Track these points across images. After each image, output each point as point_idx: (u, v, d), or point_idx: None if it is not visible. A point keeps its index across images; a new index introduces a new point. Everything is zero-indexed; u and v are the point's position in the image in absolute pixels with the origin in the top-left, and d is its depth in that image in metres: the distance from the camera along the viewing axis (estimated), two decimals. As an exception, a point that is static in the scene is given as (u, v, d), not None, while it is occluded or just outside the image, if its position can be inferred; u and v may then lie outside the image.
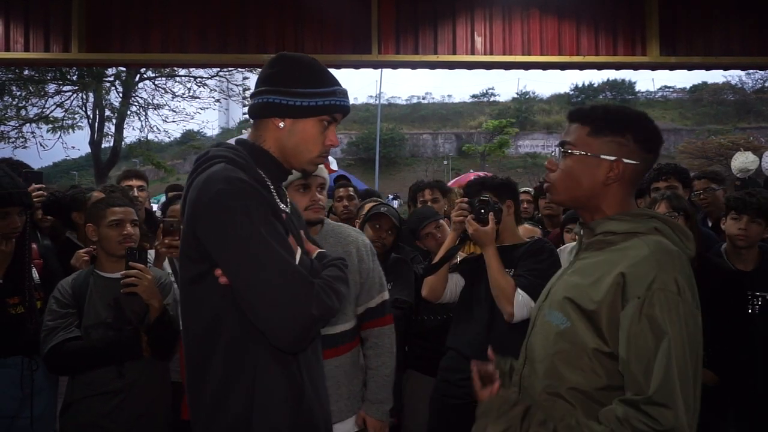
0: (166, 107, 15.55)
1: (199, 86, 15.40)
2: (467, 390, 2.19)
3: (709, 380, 2.37)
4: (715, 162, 23.82)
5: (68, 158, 27.99)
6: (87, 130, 15.21)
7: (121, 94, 15.14)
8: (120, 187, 3.23)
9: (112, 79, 14.62)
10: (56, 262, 2.56)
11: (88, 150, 16.32)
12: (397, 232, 2.86)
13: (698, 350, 1.15)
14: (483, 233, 2.13)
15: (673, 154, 28.28)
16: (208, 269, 1.22)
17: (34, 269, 2.35)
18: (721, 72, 43.78)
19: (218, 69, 14.04)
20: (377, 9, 5.07)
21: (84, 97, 14.72)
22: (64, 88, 14.14)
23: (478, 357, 1.43)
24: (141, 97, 15.59)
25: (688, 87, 40.17)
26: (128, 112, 15.38)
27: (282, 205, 1.35)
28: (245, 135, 1.46)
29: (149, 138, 16.18)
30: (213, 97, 16.12)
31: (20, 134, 14.26)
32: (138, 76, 14.89)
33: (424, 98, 43.82)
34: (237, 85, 16.22)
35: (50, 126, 14.12)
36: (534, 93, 41.87)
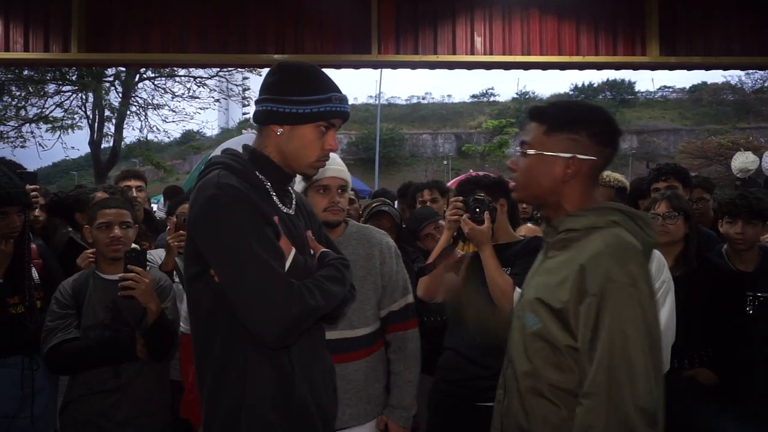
0: (166, 107, 15.57)
1: (199, 86, 15.41)
2: (466, 389, 2.20)
3: (709, 380, 2.38)
4: (714, 162, 23.83)
5: (68, 158, 28.04)
6: (86, 130, 15.21)
7: (120, 94, 15.13)
8: (120, 188, 3.23)
9: (111, 79, 14.61)
10: (55, 262, 2.56)
11: (88, 150, 16.32)
12: (399, 231, 2.86)
13: (655, 338, 1.17)
14: (479, 232, 2.13)
15: (673, 154, 28.31)
16: (205, 268, 1.30)
17: (33, 269, 2.35)
18: (720, 72, 43.81)
19: (218, 69, 14.03)
20: (377, 9, 5.07)
21: (83, 97, 14.71)
22: (64, 88, 14.14)
23: (477, 356, 1.44)
24: (141, 97, 15.60)
25: (687, 87, 40.23)
26: (128, 112, 15.37)
27: (283, 207, 1.42)
28: (245, 135, 1.48)
29: (149, 138, 16.20)
30: (213, 97, 16.12)
31: (20, 134, 14.26)
32: (138, 76, 14.87)
33: (423, 98, 43.86)
34: (237, 85, 16.23)
35: (50, 126, 14.12)
36: (534, 93, 41.90)
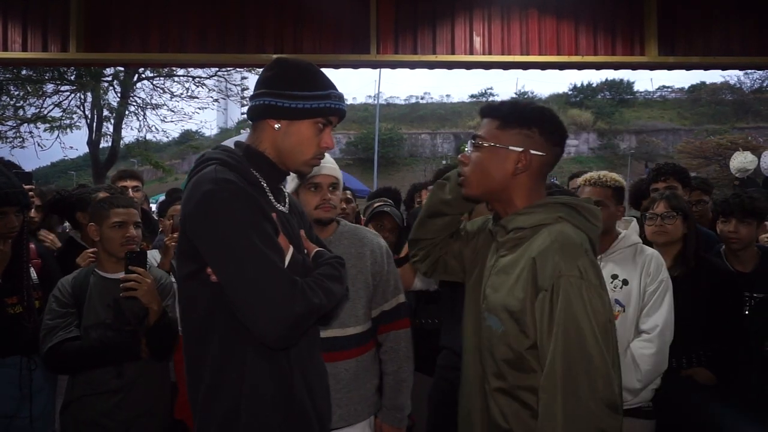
0: (165, 107, 15.53)
1: (198, 86, 15.38)
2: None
3: (707, 379, 2.38)
4: (713, 162, 23.86)
5: (66, 158, 27.96)
6: (85, 130, 15.16)
7: (119, 94, 15.09)
8: (121, 189, 3.23)
9: (110, 78, 14.58)
10: (54, 262, 2.56)
11: (86, 150, 16.26)
12: (400, 232, 2.85)
13: (608, 327, 1.20)
14: None
15: (672, 153, 28.33)
16: (200, 267, 1.26)
17: (32, 269, 2.34)
18: (719, 72, 43.86)
19: (217, 69, 14.02)
20: (376, 9, 5.06)
21: (82, 96, 14.67)
22: (62, 88, 14.09)
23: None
24: (139, 97, 15.55)
25: (686, 87, 40.27)
26: (126, 112, 15.34)
27: (278, 205, 1.39)
28: (244, 135, 1.47)
29: (147, 138, 16.15)
30: (211, 97, 16.08)
31: (18, 134, 14.22)
32: (136, 75, 14.85)
33: (422, 98, 43.82)
34: (235, 85, 16.19)
35: (48, 126, 14.08)
36: (533, 93, 41.87)
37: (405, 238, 2.96)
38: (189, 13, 5.07)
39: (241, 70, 14.69)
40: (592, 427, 1.13)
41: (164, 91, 15.26)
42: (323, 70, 1.42)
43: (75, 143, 15.15)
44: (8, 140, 14.15)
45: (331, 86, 1.37)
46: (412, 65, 5.42)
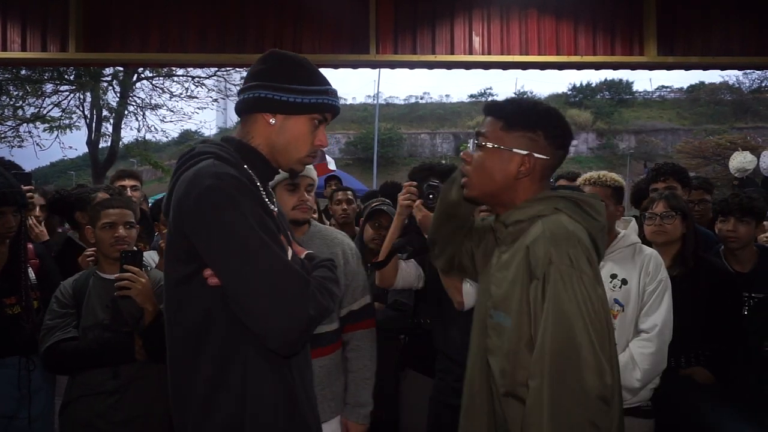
0: (164, 107, 15.54)
1: (197, 86, 15.39)
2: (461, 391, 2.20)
3: (705, 379, 2.38)
4: (712, 162, 23.85)
5: (65, 158, 27.90)
6: (84, 130, 15.17)
7: (118, 94, 15.10)
8: (120, 189, 3.23)
9: (109, 78, 14.58)
10: (52, 262, 2.56)
11: (86, 150, 16.27)
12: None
13: (600, 317, 1.17)
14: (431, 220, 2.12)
15: (671, 153, 28.32)
16: (196, 269, 1.17)
17: (30, 269, 2.34)
18: (718, 72, 43.88)
19: (216, 69, 14.02)
20: (375, 9, 5.06)
21: (81, 96, 14.67)
22: (62, 88, 14.09)
23: (463, 359, 1.44)
24: (138, 97, 15.57)
25: (685, 87, 40.23)
26: (126, 112, 15.34)
27: (271, 205, 1.31)
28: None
29: (147, 138, 16.15)
30: (211, 97, 16.11)
31: (17, 134, 14.21)
32: (135, 75, 14.85)
33: (422, 98, 43.78)
34: (235, 85, 16.16)
35: (47, 126, 14.08)
36: (532, 93, 41.84)
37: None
38: (188, 13, 5.06)
39: (241, 70, 14.64)
40: (580, 417, 1.10)
41: (163, 91, 15.28)
42: (323, 70, 1.40)
43: (74, 143, 15.17)
44: (7, 140, 14.14)
45: (328, 82, 1.32)
46: (412, 65, 5.42)
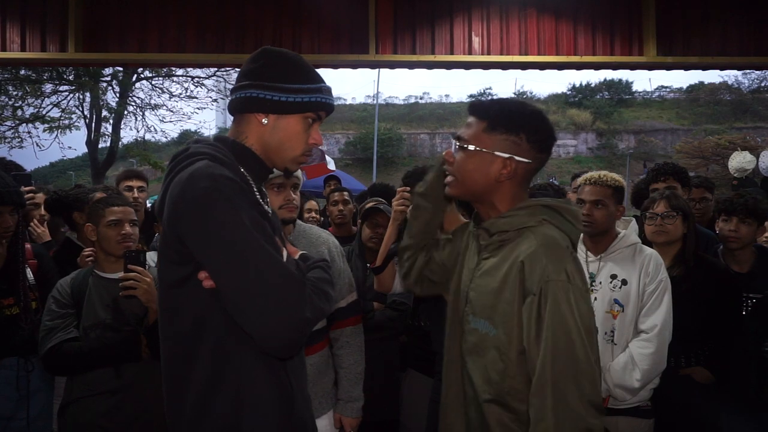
0: (164, 107, 15.53)
1: (197, 86, 15.37)
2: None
3: (705, 378, 2.38)
4: (711, 162, 23.85)
5: (65, 158, 27.89)
6: (84, 130, 15.17)
7: (118, 94, 15.10)
8: (118, 189, 3.22)
9: (108, 78, 14.58)
10: (51, 262, 2.55)
11: (85, 150, 16.28)
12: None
13: (591, 330, 1.22)
14: None
15: (670, 153, 28.32)
16: (190, 272, 1.15)
17: (28, 269, 2.33)
18: (717, 72, 43.88)
19: (215, 69, 14.01)
20: (375, 9, 5.06)
21: (80, 97, 14.67)
22: (61, 88, 14.09)
23: None
24: (138, 97, 15.56)
25: (684, 87, 40.23)
26: (125, 112, 15.34)
27: (265, 206, 1.29)
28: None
29: (146, 138, 16.15)
30: (210, 97, 16.08)
31: (16, 134, 14.20)
32: (135, 76, 14.85)
33: (421, 98, 43.76)
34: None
35: (47, 126, 14.07)
36: (531, 93, 41.86)
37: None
38: (187, 13, 5.06)
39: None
40: (579, 428, 1.15)
41: (163, 91, 15.28)
42: (322, 70, 1.40)
43: (74, 143, 15.18)
44: (7, 140, 14.12)
45: (321, 79, 1.30)
46: (411, 65, 5.42)
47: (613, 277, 2.23)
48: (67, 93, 14.26)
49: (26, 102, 13.86)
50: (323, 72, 1.37)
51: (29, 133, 14.25)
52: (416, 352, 2.81)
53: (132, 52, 5.08)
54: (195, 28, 5.06)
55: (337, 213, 3.77)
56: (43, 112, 14.10)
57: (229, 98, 1.32)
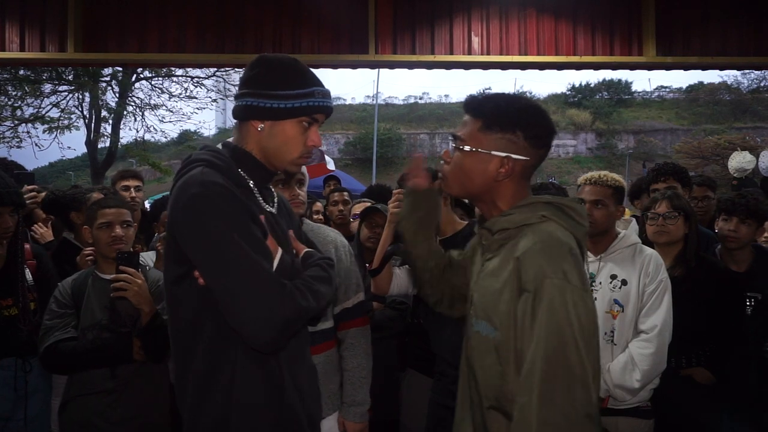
0: (163, 107, 15.53)
1: (196, 86, 15.38)
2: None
3: (705, 379, 2.38)
4: (711, 162, 23.87)
5: (64, 158, 27.93)
6: (83, 131, 15.17)
7: (117, 94, 15.09)
8: (115, 189, 3.22)
9: (108, 79, 14.57)
10: (50, 263, 2.55)
11: (85, 150, 16.27)
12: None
13: (590, 332, 1.15)
14: None
15: (670, 153, 28.33)
16: (187, 271, 1.25)
17: (27, 270, 2.33)
18: (717, 72, 43.90)
19: (215, 69, 14.01)
20: (374, 9, 5.06)
21: (80, 97, 14.67)
22: (60, 88, 14.08)
23: (457, 360, 1.43)
24: (138, 97, 15.56)
25: (684, 87, 40.23)
26: (125, 112, 15.34)
27: (267, 206, 1.37)
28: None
29: (146, 138, 16.15)
30: (210, 97, 16.09)
31: (16, 134, 14.20)
32: (134, 76, 14.84)
33: (421, 98, 43.76)
34: (234, 85, 16.15)
35: (46, 126, 14.07)
36: (531, 93, 41.91)
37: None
38: (187, 13, 5.06)
39: (240, 70, 14.68)
40: None
41: (162, 92, 15.29)
42: (322, 70, 1.40)
43: (73, 143, 15.18)
44: (6, 141, 14.13)
45: (315, 83, 1.34)
46: (411, 65, 5.42)
47: (613, 277, 2.23)
48: (66, 93, 14.27)
49: (25, 102, 13.86)
50: (323, 72, 1.38)
51: (28, 133, 14.27)
52: (416, 352, 2.80)
53: (131, 52, 5.08)
54: (195, 28, 5.06)
55: (337, 213, 3.77)
56: (43, 113, 14.10)
57: (233, 106, 1.40)
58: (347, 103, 40.44)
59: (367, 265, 2.54)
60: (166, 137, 17.12)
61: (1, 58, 5.08)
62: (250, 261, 1.18)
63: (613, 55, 5.19)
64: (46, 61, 5.56)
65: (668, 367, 2.19)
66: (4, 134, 14.11)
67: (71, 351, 2.03)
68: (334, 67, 5.42)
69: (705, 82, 37.51)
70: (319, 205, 4.53)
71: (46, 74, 13.28)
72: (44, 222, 3.01)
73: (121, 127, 15.69)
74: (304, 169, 2.06)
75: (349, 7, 5.10)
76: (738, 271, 2.68)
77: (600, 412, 1.16)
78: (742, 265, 2.71)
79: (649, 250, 2.28)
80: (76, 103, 14.74)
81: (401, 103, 43.15)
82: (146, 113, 15.52)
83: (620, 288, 2.21)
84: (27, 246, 2.42)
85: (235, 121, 1.39)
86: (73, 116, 14.74)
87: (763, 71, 24.47)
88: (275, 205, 1.42)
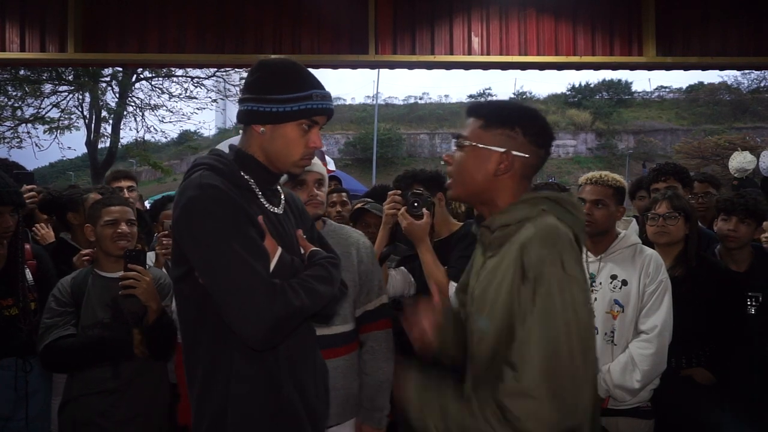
0: (163, 107, 15.53)
1: (196, 86, 15.39)
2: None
3: (706, 379, 2.38)
4: (711, 162, 23.86)
5: (64, 159, 27.95)
6: (83, 131, 15.17)
7: (117, 95, 15.10)
8: (112, 189, 3.22)
9: (108, 79, 14.58)
10: (50, 263, 2.55)
11: (85, 150, 16.28)
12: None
13: (586, 322, 1.17)
14: (417, 227, 2.10)
15: (670, 153, 28.32)
16: (188, 270, 1.30)
17: (27, 270, 2.33)
18: (717, 72, 43.91)
19: (215, 69, 14.02)
20: (374, 9, 5.06)
21: (80, 97, 14.67)
22: (60, 89, 14.09)
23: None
24: (138, 98, 15.56)
25: (684, 87, 40.20)
26: (125, 113, 15.34)
27: (271, 207, 1.41)
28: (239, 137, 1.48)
29: (146, 138, 16.15)
30: (210, 98, 16.10)
31: (16, 135, 14.20)
32: (134, 76, 14.85)
33: (421, 98, 43.73)
34: (234, 86, 16.17)
35: (46, 126, 14.07)
36: (531, 93, 41.87)
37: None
38: (187, 13, 5.06)
39: (240, 70, 14.66)
40: (548, 425, 1.09)
41: (163, 92, 15.29)
42: (322, 70, 1.41)
43: (73, 144, 15.18)
44: (6, 141, 14.13)
45: (314, 86, 1.37)
46: (411, 65, 5.42)
47: (613, 277, 2.23)
48: (66, 93, 14.27)
49: (25, 102, 13.87)
50: (323, 72, 1.39)
51: (29, 133, 14.28)
52: (412, 353, 2.79)
53: (131, 52, 5.08)
54: (195, 28, 5.06)
55: (335, 214, 3.76)
56: (43, 113, 14.10)
57: (236, 111, 1.45)
58: (347, 103, 40.42)
59: None
60: (166, 137, 17.13)
61: (1, 58, 5.08)
62: (240, 262, 1.22)
63: (613, 55, 5.19)
64: (46, 61, 5.56)
65: (668, 367, 2.19)
66: (4, 134, 14.12)
67: (70, 347, 2.03)
68: (334, 67, 5.42)
69: (705, 82, 37.50)
70: None
71: (46, 74, 13.28)
72: (46, 223, 3.01)
73: (122, 127, 15.71)
74: (322, 168, 2.04)
75: (349, 7, 5.10)
76: (738, 271, 2.68)
77: (600, 412, 1.16)
78: (741, 264, 2.71)
79: (649, 251, 2.28)
80: (76, 103, 14.76)
81: (401, 103, 43.14)
82: (146, 113, 15.54)
83: (620, 288, 2.21)
84: (27, 246, 2.42)
85: (240, 124, 1.44)
86: (73, 116, 14.77)
87: (763, 71, 24.48)
88: (281, 205, 1.46)
